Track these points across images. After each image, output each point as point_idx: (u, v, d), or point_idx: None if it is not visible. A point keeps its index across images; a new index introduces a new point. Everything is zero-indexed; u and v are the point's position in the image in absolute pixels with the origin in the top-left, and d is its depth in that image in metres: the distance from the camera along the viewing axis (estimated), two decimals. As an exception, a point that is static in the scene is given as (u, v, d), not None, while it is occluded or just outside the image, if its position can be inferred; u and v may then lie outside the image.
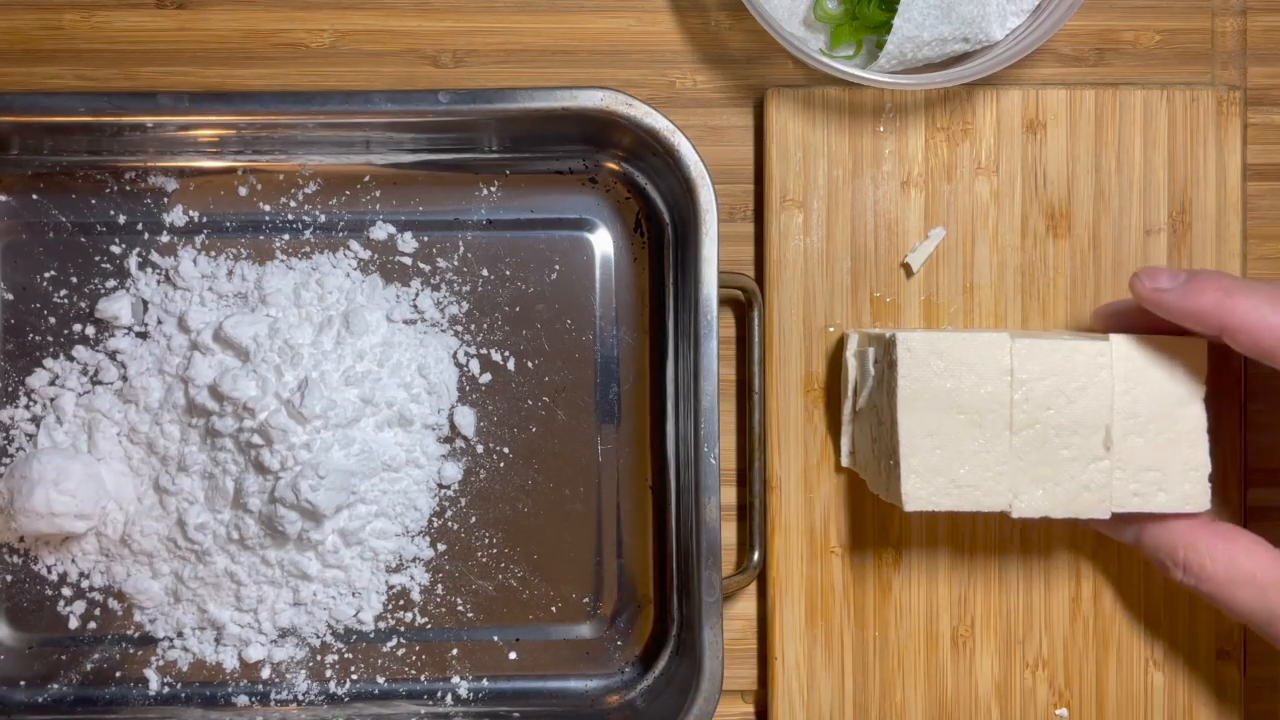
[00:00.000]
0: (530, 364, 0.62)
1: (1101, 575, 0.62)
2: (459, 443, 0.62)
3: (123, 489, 0.59)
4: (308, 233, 0.62)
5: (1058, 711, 0.62)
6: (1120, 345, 0.55)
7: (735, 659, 0.62)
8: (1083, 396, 0.55)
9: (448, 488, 0.62)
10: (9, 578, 0.61)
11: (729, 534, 0.63)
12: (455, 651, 0.62)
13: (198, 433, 0.59)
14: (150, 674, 0.61)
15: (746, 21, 0.63)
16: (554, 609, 0.62)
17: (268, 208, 0.62)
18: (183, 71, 0.62)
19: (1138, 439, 0.55)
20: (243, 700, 0.61)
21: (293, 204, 0.62)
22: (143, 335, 0.61)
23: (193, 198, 0.62)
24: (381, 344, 0.60)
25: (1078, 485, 0.55)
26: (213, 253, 0.61)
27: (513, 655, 0.62)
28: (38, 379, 0.60)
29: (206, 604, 0.60)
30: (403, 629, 0.62)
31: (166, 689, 0.61)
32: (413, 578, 0.61)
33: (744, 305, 0.62)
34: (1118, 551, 0.62)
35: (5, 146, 0.60)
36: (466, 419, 0.61)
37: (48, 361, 0.61)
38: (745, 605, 0.63)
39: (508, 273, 0.62)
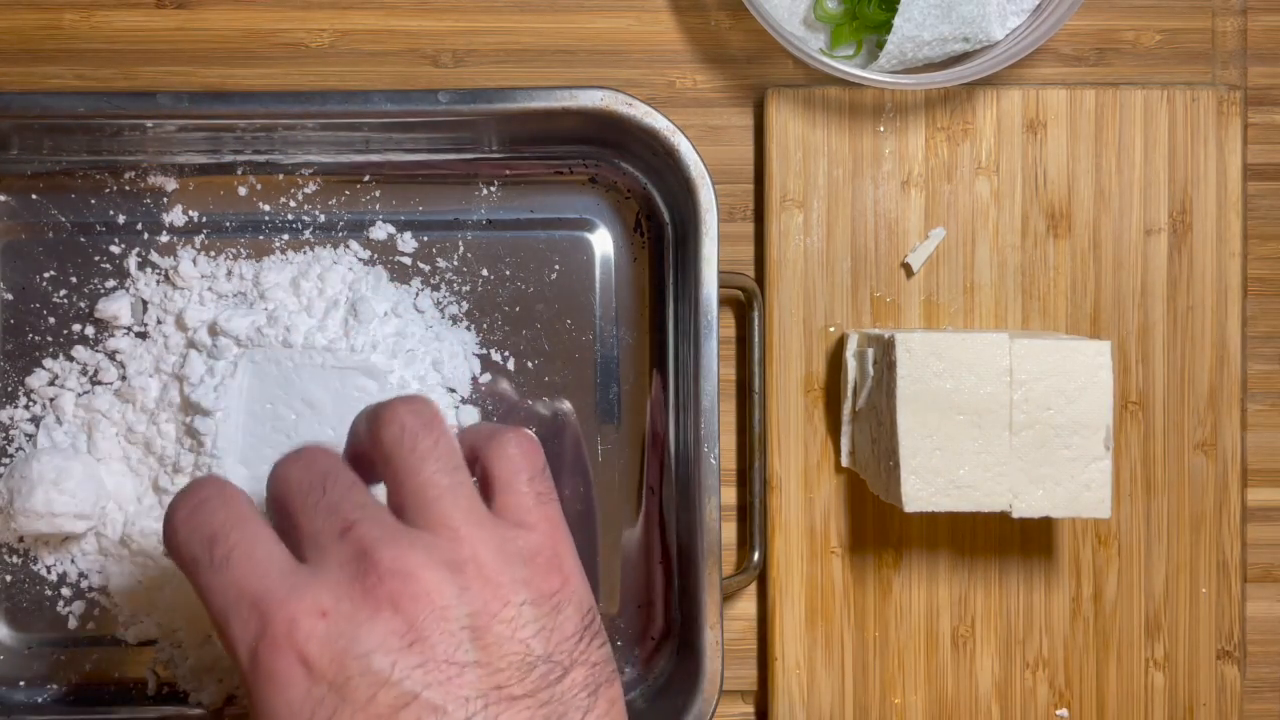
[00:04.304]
0: (530, 364, 0.62)
1: (1101, 575, 0.62)
2: (459, 443, 0.62)
3: (122, 489, 0.59)
4: (307, 232, 0.62)
5: (1058, 711, 0.62)
6: None
7: (735, 659, 0.62)
8: (1082, 396, 0.55)
9: (448, 488, 0.62)
10: (9, 578, 0.61)
11: (729, 534, 0.63)
12: (455, 651, 0.62)
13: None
14: (149, 674, 0.61)
15: (746, 21, 0.63)
16: (554, 609, 0.62)
17: (267, 208, 0.62)
18: (183, 71, 0.62)
19: None
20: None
21: (292, 204, 0.62)
22: (142, 335, 0.61)
23: (192, 198, 0.62)
24: (395, 334, 0.59)
25: (1078, 485, 0.55)
26: (212, 253, 0.61)
27: (513, 655, 0.62)
28: (37, 379, 0.60)
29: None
30: (402, 629, 0.61)
31: (166, 689, 0.61)
32: (413, 578, 0.61)
33: (744, 305, 0.62)
34: (1118, 551, 0.62)
35: (5, 146, 0.60)
36: (468, 419, 0.61)
37: (47, 361, 0.61)
38: (745, 605, 0.63)
39: (508, 273, 0.62)
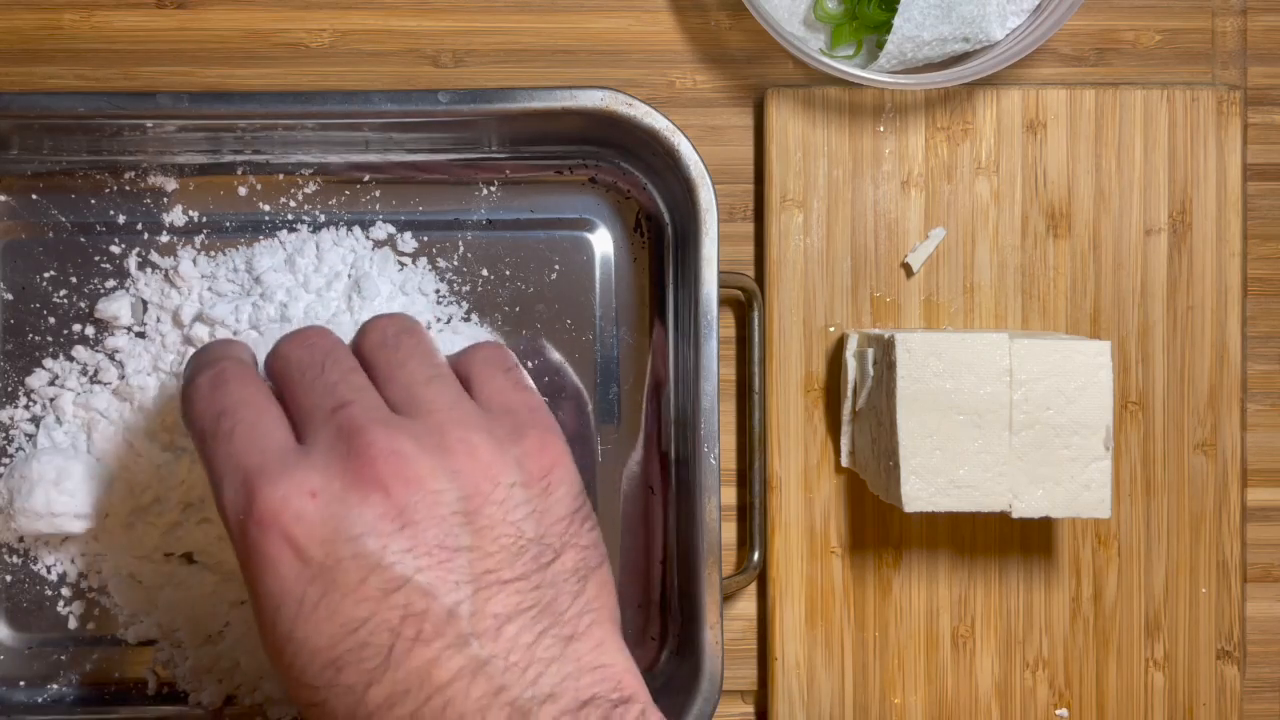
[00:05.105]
0: (530, 364, 0.62)
1: (1101, 575, 0.62)
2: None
3: (122, 489, 0.59)
4: (307, 232, 0.62)
5: (1058, 711, 0.62)
6: None
7: (735, 659, 0.62)
8: (1082, 396, 0.55)
9: (448, 488, 0.62)
10: (9, 578, 0.61)
11: (729, 534, 0.63)
12: (455, 651, 0.62)
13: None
14: (149, 674, 0.61)
15: (746, 21, 0.63)
16: (554, 609, 0.62)
17: (267, 208, 0.62)
18: (183, 71, 0.62)
19: None
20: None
21: (292, 204, 0.62)
22: (142, 335, 0.61)
23: (192, 198, 0.62)
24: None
25: (1078, 485, 0.55)
26: (212, 253, 0.61)
27: (513, 655, 0.62)
28: (37, 379, 0.60)
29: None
30: (402, 629, 0.61)
31: (166, 689, 0.61)
32: (412, 578, 0.61)
33: (744, 305, 0.62)
34: (1118, 551, 0.62)
35: (5, 146, 0.60)
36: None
37: (47, 361, 0.61)
38: (745, 605, 0.63)
39: (508, 273, 0.62)
